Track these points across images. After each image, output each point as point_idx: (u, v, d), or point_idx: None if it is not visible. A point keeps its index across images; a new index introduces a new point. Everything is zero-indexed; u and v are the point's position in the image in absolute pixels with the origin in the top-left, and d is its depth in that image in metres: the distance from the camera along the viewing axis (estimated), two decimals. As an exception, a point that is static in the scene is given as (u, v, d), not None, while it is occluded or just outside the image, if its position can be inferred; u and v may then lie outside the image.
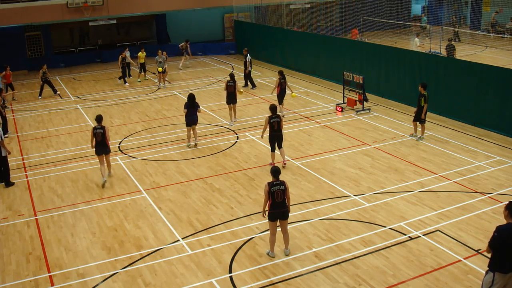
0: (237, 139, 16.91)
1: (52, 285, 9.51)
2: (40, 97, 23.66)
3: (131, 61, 25.84)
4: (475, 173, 13.45)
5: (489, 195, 12.18)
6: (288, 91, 18.95)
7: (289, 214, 9.97)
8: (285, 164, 14.23)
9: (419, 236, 10.51)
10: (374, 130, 17.14)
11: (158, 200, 12.78)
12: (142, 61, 25.68)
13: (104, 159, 13.75)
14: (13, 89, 23.71)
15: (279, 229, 9.99)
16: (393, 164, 14.22)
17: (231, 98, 18.03)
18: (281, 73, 18.68)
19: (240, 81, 22.96)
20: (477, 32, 34.68)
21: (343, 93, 20.10)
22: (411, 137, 16.19)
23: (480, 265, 9.41)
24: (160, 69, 23.76)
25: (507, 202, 7.49)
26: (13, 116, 20.94)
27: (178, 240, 10.85)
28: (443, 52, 25.84)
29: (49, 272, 9.92)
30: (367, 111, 19.11)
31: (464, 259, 9.66)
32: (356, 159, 14.69)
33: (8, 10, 26.88)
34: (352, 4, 36.09)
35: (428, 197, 12.21)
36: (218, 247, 10.49)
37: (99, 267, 9.98)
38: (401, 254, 9.92)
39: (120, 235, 11.18)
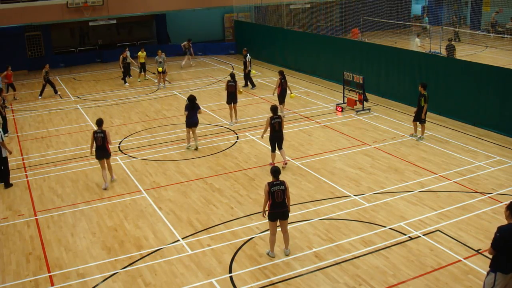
0: (237, 139, 16.91)
1: (52, 285, 9.51)
2: (40, 97, 23.66)
3: (132, 61, 25.84)
4: (475, 173, 13.45)
5: (489, 195, 12.18)
6: (288, 91, 18.94)
7: (289, 214, 9.97)
8: (286, 164, 14.21)
9: (419, 236, 10.51)
10: (374, 130, 17.14)
11: (158, 200, 12.78)
12: (142, 61, 25.69)
13: (105, 163, 13.57)
14: (14, 89, 23.70)
15: (279, 229, 9.99)
16: (393, 164, 14.22)
17: (232, 98, 18.03)
18: (281, 73, 18.67)
19: (240, 81, 22.95)
20: (477, 32, 34.68)
21: (343, 93, 20.10)
22: (411, 137, 16.19)
23: (480, 265, 9.41)
24: (160, 69, 23.76)
25: (507, 202, 7.49)
26: (13, 116, 20.94)
27: (178, 240, 10.85)
28: (443, 52, 25.84)
29: (49, 272, 9.93)
30: (367, 111, 19.11)
31: (464, 259, 9.66)
32: (356, 159, 14.69)
33: (8, 10, 26.89)
34: (352, 4, 36.09)
35: (428, 197, 12.21)
36: (218, 247, 10.49)
37: (99, 267, 9.98)
38: (401, 254, 9.92)
39: (120, 235, 11.18)
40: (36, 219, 12.12)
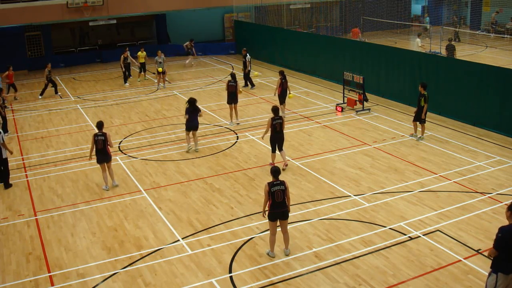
0: (237, 139, 16.91)
1: (52, 285, 9.51)
2: (40, 97, 23.65)
3: (133, 60, 25.83)
4: (475, 173, 13.45)
5: (489, 195, 12.18)
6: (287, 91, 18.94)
7: (289, 214, 9.97)
8: (286, 165, 14.18)
9: (419, 236, 10.51)
10: (374, 130, 17.14)
11: (158, 200, 12.78)
12: (142, 60, 25.69)
13: (106, 167, 13.42)
14: (15, 90, 23.68)
15: (279, 229, 9.99)
16: (393, 164, 14.22)
17: (232, 98, 17.99)
18: (282, 73, 18.65)
19: (240, 81, 22.94)
20: (477, 32, 34.68)
21: (343, 93, 20.10)
22: (411, 137, 16.19)
23: (480, 265, 9.41)
24: (160, 69, 23.76)
25: (507, 202, 7.49)
26: (13, 116, 20.94)
27: (178, 240, 10.85)
28: (443, 52, 25.84)
29: (49, 272, 9.93)
30: (367, 111, 19.11)
31: (464, 259, 9.66)
32: (356, 159, 14.69)
33: (8, 10, 26.89)
34: (352, 4, 36.09)
35: (428, 197, 12.21)
36: (218, 247, 10.49)
37: (99, 267, 9.98)
38: (401, 254, 9.92)
39: (120, 235, 11.18)
40: (36, 219, 12.12)
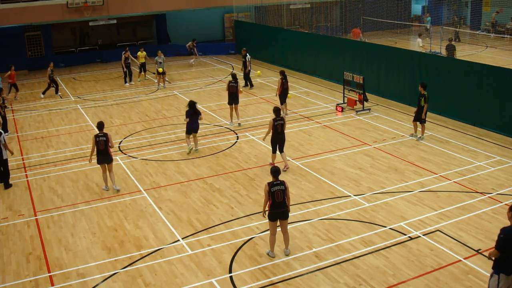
0: (237, 139, 16.91)
1: (52, 285, 9.51)
2: (42, 96, 23.62)
3: (134, 60, 25.81)
4: (475, 173, 13.45)
5: (489, 195, 12.18)
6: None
7: (289, 214, 9.97)
8: (287, 168, 14.14)
9: (419, 236, 10.51)
10: (374, 130, 17.14)
11: (158, 200, 12.78)
12: (142, 60, 25.67)
13: (107, 168, 13.28)
14: (17, 90, 23.66)
15: (279, 229, 9.99)
16: (393, 164, 14.22)
17: (233, 99, 17.94)
18: (282, 73, 18.63)
19: (240, 81, 22.93)
20: (477, 32, 34.68)
21: (343, 93, 20.10)
22: (411, 137, 16.19)
23: (480, 265, 9.41)
24: (160, 69, 23.75)
25: (508, 202, 7.49)
26: (13, 116, 20.94)
27: (178, 240, 10.85)
28: (443, 52, 25.84)
29: (49, 272, 9.93)
30: (367, 111, 19.11)
31: (464, 259, 9.66)
32: (356, 159, 14.69)
33: (8, 10, 26.90)
34: (352, 4, 36.10)
35: (428, 197, 12.21)
36: (218, 247, 10.49)
37: (99, 267, 9.98)
38: (401, 254, 9.92)
39: (120, 235, 11.18)
40: (36, 219, 12.12)
